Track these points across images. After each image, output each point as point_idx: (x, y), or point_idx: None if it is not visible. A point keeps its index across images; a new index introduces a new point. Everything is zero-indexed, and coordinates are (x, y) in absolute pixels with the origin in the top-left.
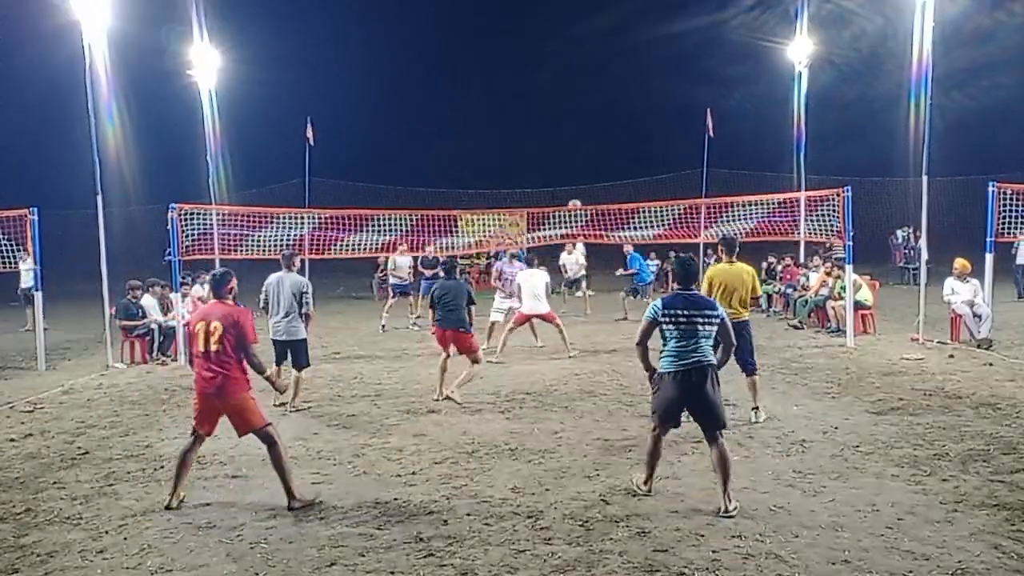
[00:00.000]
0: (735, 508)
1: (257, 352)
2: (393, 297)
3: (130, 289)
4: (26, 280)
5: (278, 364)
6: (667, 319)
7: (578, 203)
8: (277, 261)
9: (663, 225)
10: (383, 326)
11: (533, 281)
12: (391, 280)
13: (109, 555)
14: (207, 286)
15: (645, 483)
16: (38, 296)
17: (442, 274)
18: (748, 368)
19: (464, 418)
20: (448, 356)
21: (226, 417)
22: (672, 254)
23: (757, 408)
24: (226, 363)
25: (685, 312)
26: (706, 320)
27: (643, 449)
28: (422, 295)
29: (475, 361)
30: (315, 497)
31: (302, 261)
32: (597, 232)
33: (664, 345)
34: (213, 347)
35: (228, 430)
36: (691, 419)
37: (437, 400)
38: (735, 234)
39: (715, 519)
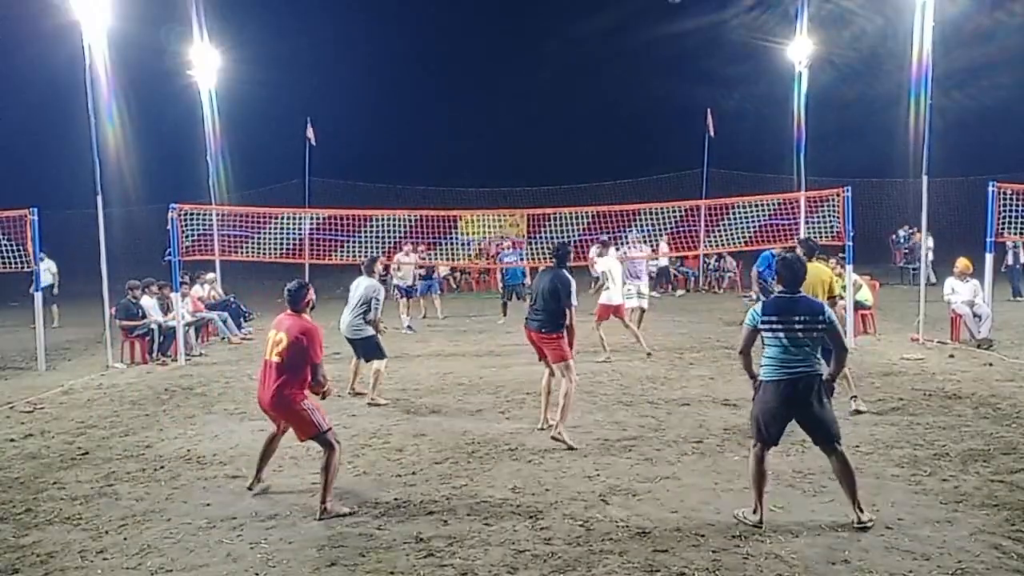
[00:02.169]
0: (870, 520)
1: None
2: (402, 298)
3: (130, 289)
4: (44, 279)
5: (358, 357)
6: (766, 325)
7: None
8: (280, 263)
9: (664, 228)
10: (409, 327)
11: (609, 266)
12: (395, 282)
13: (109, 555)
14: (207, 286)
15: (755, 512)
16: (37, 296)
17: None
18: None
19: (464, 418)
20: (552, 374)
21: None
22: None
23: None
24: (282, 376)
25: (786, 318)
26: (810, 325)
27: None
28: (420, 295)
29: (562, 373)
30: (348, 511)
31: (303, 264)
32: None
33: (764, 352)
34: (275, 358)
35: (228, 431)
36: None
37: (542, 429)
38: (812, 237)
39: (715, 519)
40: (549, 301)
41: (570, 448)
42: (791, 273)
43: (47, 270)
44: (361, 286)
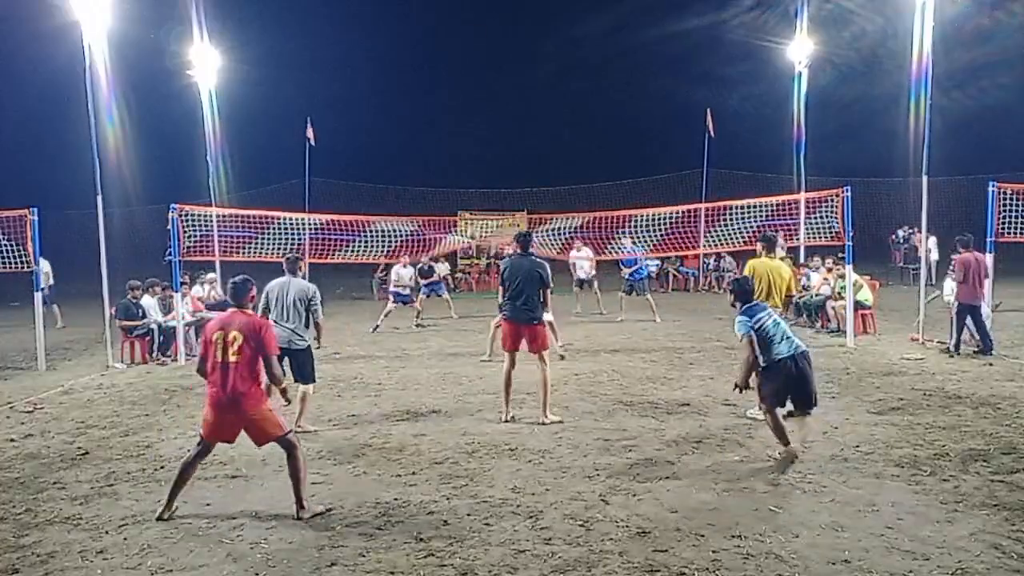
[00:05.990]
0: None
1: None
2: (394, 303)
3: (130, 289)
4: (42, 280)
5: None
6: (760, 326)
7: None
8: (281, 263)
9: (662, 229)
10: (377, 327)
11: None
12: (392, 288)
13: (109, 555)
14: (207, 286)
15: (784, 445)
16: (37, 296)
17: (517, 249)
18: None
19: (464, 418)
20: (513, 365)
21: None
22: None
23: None
24: (244, 376)
25: (768, 314)
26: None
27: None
28: (423, 296)
29: (542, 360)
30: (324, 508)
31: (305, 265)
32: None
33: (770, 345)
34: (232, 358)
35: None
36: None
37: (506, 422)
38: (774, 231)
39: (715, 519)
40: (534, 289)
41: (561, 422)
42: (745, 290)
43: (43, 272)
44: (291, 288)
